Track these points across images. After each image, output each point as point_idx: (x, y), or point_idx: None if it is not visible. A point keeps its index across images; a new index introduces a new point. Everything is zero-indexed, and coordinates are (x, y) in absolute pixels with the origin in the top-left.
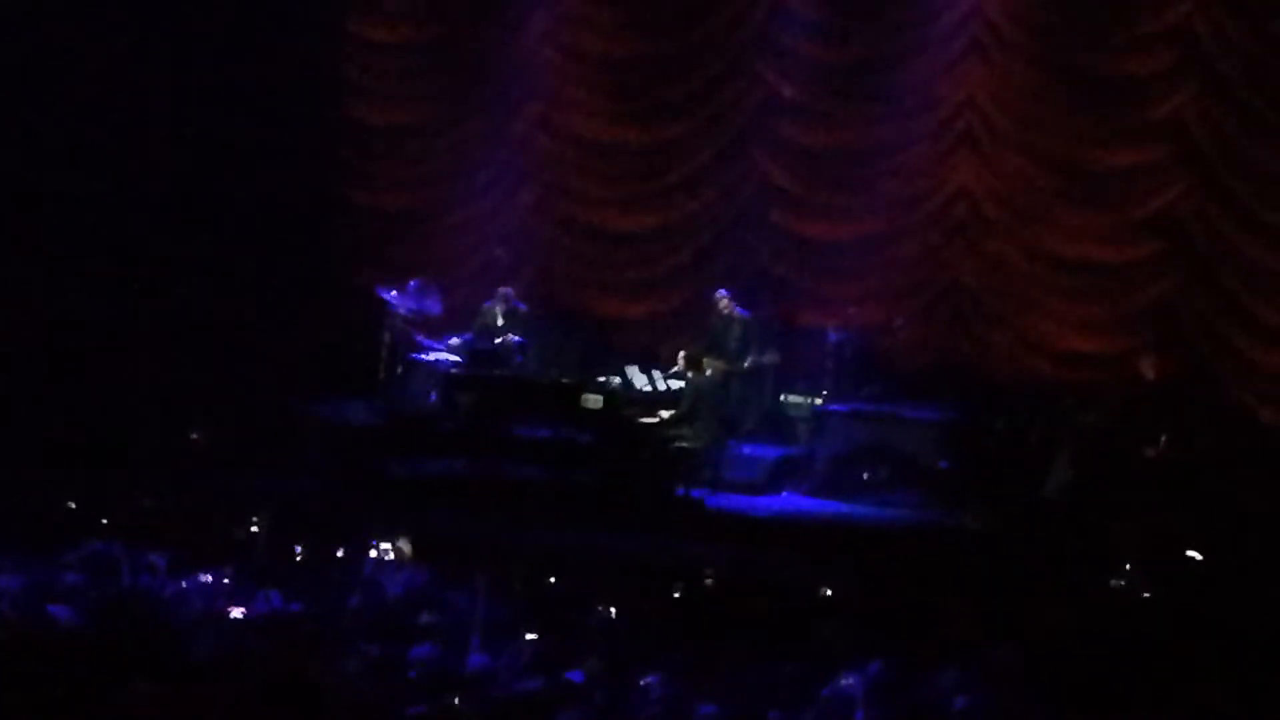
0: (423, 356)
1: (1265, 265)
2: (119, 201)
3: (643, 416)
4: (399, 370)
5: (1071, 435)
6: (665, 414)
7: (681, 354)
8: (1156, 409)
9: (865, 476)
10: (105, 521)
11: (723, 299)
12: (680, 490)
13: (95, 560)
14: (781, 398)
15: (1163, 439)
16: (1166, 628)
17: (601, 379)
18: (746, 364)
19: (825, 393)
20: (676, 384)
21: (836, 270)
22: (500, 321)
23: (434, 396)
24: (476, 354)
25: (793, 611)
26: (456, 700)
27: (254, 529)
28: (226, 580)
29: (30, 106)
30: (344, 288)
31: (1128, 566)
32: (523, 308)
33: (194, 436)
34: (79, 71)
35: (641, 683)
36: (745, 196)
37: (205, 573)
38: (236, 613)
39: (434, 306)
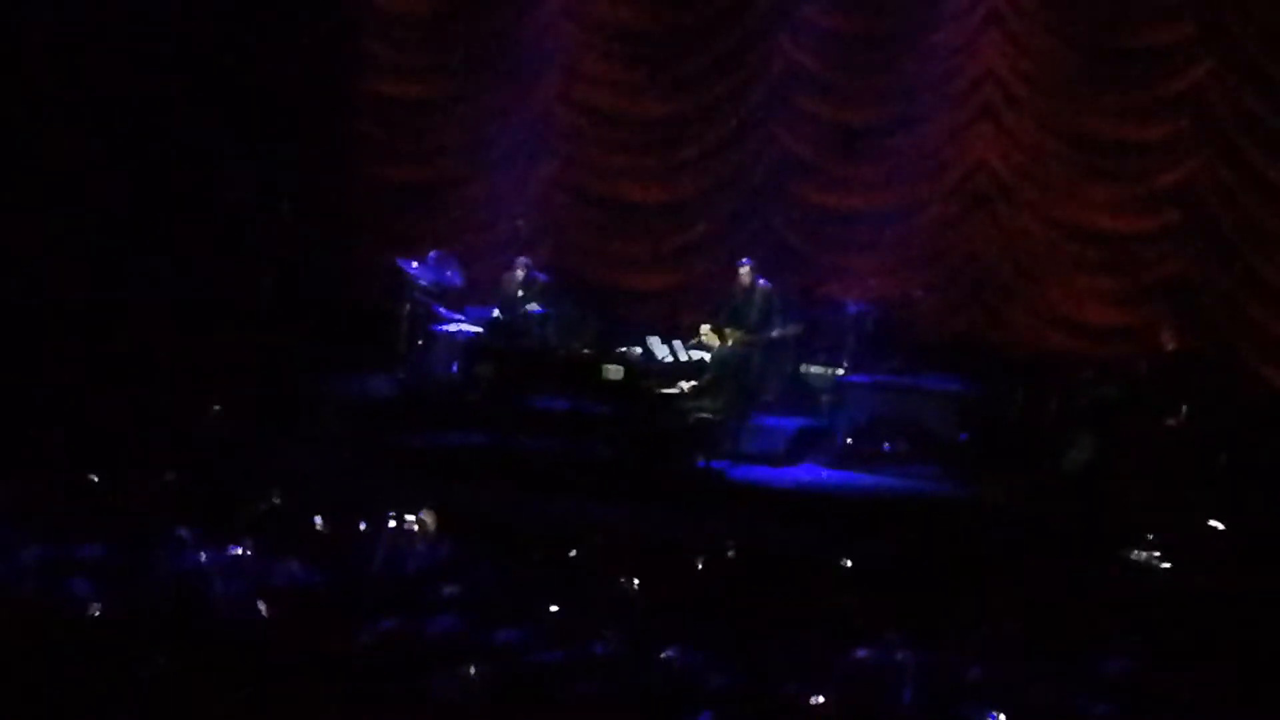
0: (443, 328)
1: None
2: (137, 177)
3: (663, 388)
4: (419, 342)
5: (1091, 407)
6: (686, 385)
7: (706, 326)
8: (1176, 381)
9: (885, 448)
10: (126, 496)
11: (744, 268)
12: (701, 462)
13: (116, 534)
14: (802, 369)
15: (1182, 410)
16: (1187, 599)
17: (622, 350)
18: (771, 335)
19: (846, 364)
20: (698, 355)
21: (856, 242)
22: (520, 293)
23: (454, 368)
24: (496, 325)
25: (813, 583)
26: (473, 670)
27: (274, 502)
28: (248, 553)
29: (43, 80)
30: (364, 260)
31: (1148, 538)
32: (543, 279)
33: (215, 409)
34: (94, 52)
35: (662, 655)
36: (764, 168)
37: (226, 545)
38: (258, 585)
39: (454, 278)
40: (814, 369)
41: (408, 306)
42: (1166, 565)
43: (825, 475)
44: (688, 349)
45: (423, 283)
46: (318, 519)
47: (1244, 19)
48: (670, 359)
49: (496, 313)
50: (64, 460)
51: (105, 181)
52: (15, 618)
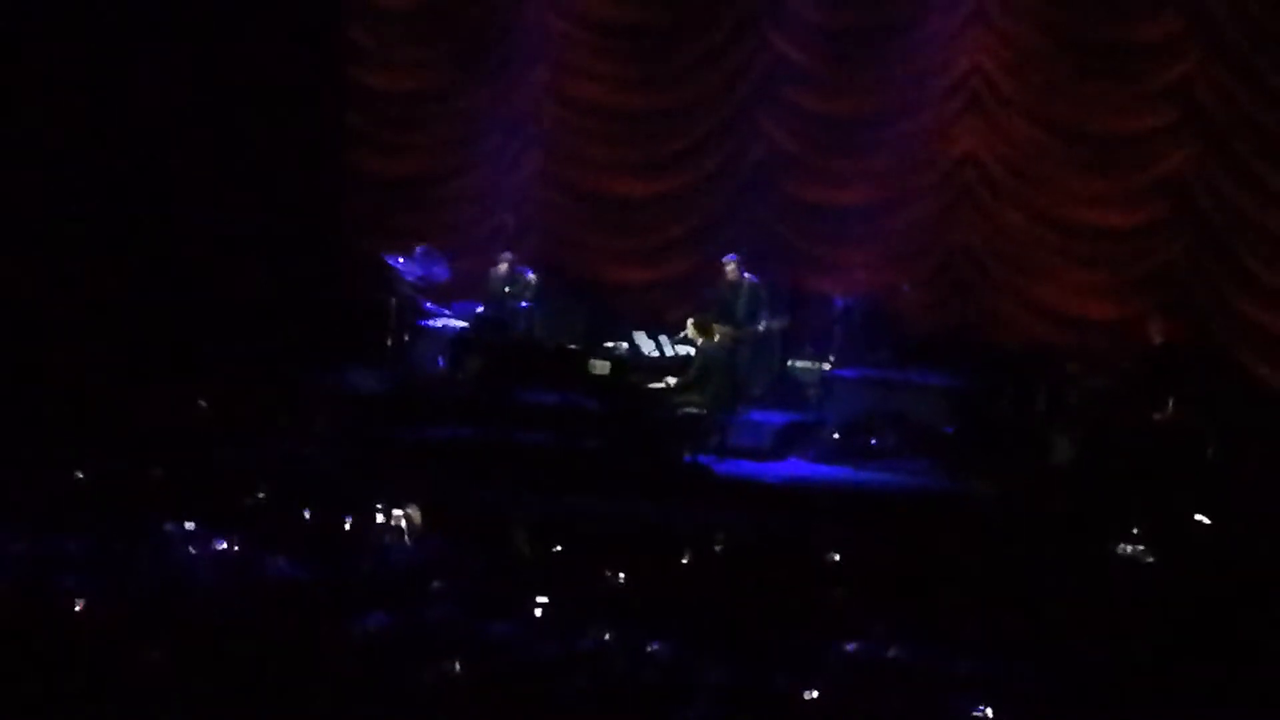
0: (430, 323)
1: (1271, 229)
2: (125, 171)
3: (650, 382)
4: (406, 337)
5: (1078, 400)
6: (673, 380)
7: (690, 320)
8: (1163, 373)
9: (873, 442)
10: (114, 490)
11: (731, 263)
12: (688, 456)
13: (104, 529)
14: (789, 363)
15: (1170, 403)
16: (1173, 592)
17: (609, 345)
18: (758, 328)
19: (833, 358)
20: (684, 350)
21: (844, 236)
22: (507, 288)
23: (441, 363)
24: (483, 320)
25: (801, 577)
26: (457, 666)
27: (262, 496)
28: (235, 547)
29: (34, 79)
30: (351, 254)
31: (1135, 531)
32: (529, 273)
33: (201, 404)
34: (80, 48)
35: (649, 649)
36: (752, 162)
37: (215, 540)
38: (246, 580)
39: (441, 273)
40: (801, 363)
41: (395, 301)
42: (1152, 559)
43: (812, 469)
44: (674, 343)
45: (409, 277)
46: (306, 513)
47: (1231, 12)
48: (657, 353)
49: (483, 307)
50: (51, 454)
51: (92, 170)
52: (2, 612)
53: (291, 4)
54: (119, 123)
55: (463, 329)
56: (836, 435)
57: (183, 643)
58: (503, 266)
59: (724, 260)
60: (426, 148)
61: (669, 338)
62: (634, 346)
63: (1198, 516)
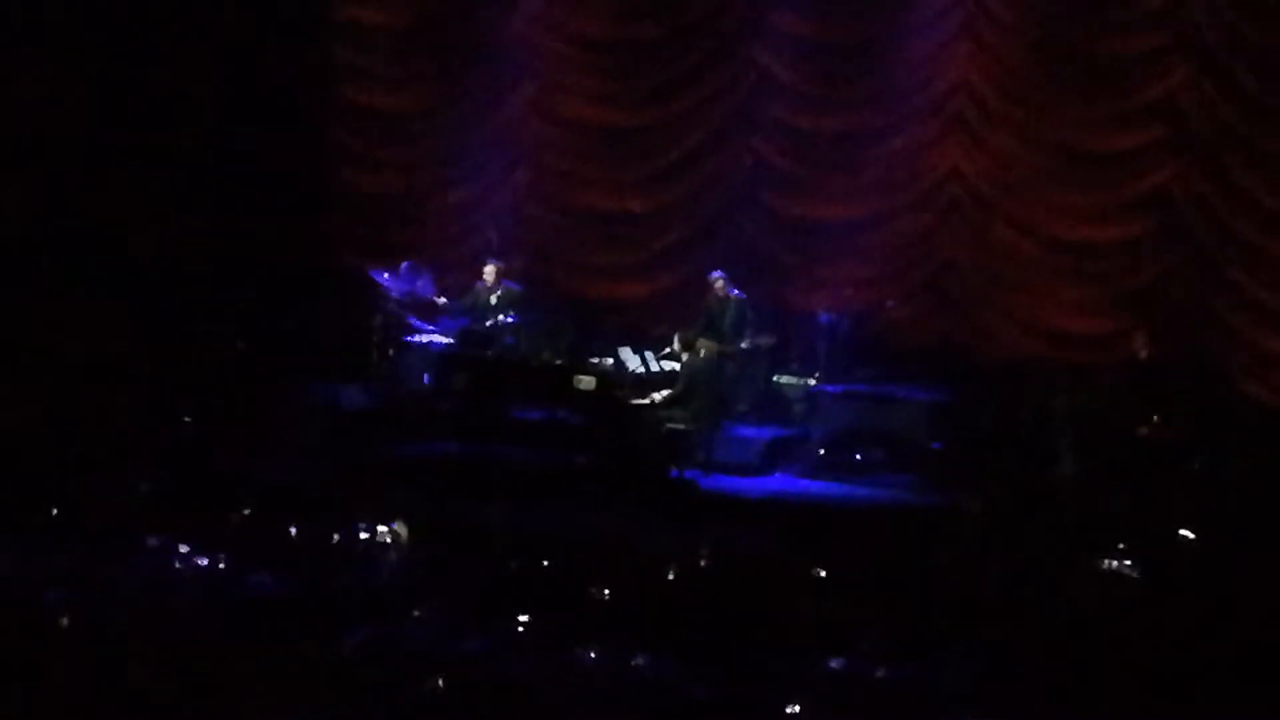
0: (415, 339)
1: (1258, 245)
2: (110, 186)
3: (636, 398)
4: (391, 353)
5: (1065, 415)
6: (659, 395)
7: (677, 335)
8: (1150, 388)
9: (858, 457)
10: (100, 506)
11: (718, 280)
12: (674, 472)
13: (89, 545)
14: (775, 379)
15: (1156, 419)
16: (1159, 608)
17: (594, 360)
18: (742, 345)
19: (819, 374)
20: (670, 365)
21: (830, 252)
22: (493, 301)
23: (427, 379)
24: (469, 335)
25: (786, 593)
26: (441, 682)
27: (247, 513)
28: (220, 564)
29: (21, 86)
30: (336, 270)
31: (1121, 546)
32: (516, 288)
33: (186, 420)
34: (68, 60)
35: (634, 664)
36: (738, 178)
37: (199, 556)
38: (231, 595)
39: (426, 289)
40: (787, 379)
41: (380, 317)
42: (1138, 574)
43: (798, 485)
44: (660, 359)
45: (395, 293)
46: (292, 529)
47: (1217, 27)
48: (643, 369)
49: (468, 320)
50: (37, 469)
51: (70, 191)
52: None
53: (279, 21)
54: (106, 139)
55: (448, 345)
56: (822, 450)
57: (167, 658)
58: (489, 271)
59: (711, 277)
60: (413, 164)
61: (654, 353)
62: (619, 362)
63: (1183, 531)
